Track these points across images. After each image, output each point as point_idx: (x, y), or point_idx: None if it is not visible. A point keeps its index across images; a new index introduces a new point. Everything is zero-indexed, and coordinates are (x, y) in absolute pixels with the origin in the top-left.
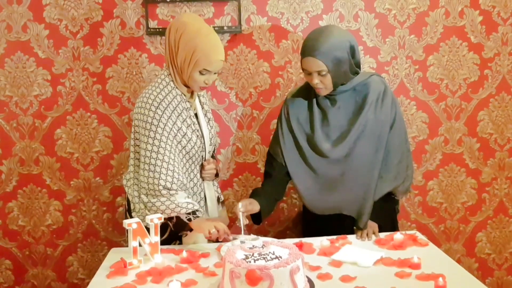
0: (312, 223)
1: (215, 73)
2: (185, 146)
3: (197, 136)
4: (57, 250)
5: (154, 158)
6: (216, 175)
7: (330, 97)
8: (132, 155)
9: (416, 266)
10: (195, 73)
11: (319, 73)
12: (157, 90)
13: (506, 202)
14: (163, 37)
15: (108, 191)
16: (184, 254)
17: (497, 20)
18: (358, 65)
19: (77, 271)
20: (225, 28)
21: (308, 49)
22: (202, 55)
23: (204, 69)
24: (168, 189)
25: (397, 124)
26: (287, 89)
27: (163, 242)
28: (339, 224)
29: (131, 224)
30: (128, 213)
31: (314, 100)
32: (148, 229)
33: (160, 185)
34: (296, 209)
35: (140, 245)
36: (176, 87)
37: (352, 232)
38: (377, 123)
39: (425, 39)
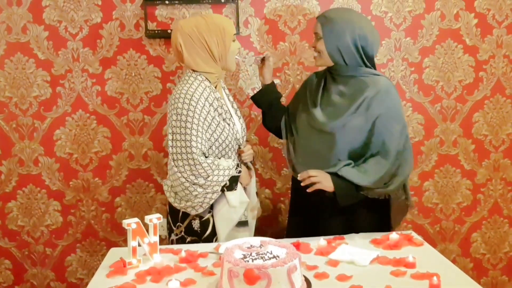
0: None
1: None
2: (220, 135)
3: (229, 124)
4: (56, 250)
5: (188, 140)
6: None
7: (337, 78)
8: (171, 162)
9: (411, 265)
10: (232, 44)
11: (316, 35)
12: (187, 85)
13: (500, 203)
14: (162, 39)
15: (107, 192)
16: (183, 253)
17: (492, 23)
18: (368, 59)
19: (76, 271)
20: None
21: (320, 14)
22: (226, 26)
23: (234, 34)
24: (205, 156)
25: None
26: (284, 90)
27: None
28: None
29: (130, 224)
30: (170, 215)
31: (323, 80)
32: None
33: (194, 153)
34: None
35: (139, 245)
36: (205, 79)
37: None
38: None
39: (420, 41)
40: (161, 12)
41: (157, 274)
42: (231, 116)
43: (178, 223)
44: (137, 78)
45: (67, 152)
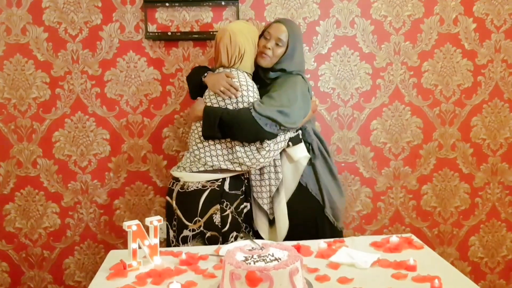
0: None
1: None
2: None
3: None
4: (54, 253)
5: None
6: None
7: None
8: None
9: (412, 268)
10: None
11: (277, 41)
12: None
13: (498, 207)
14: (162, 41)
15: (105, 194)
16: (184, 256)
17: (490, 27)
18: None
19: (74, 274)
20: None
21: (284, 20)
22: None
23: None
24: None
25: None
26: None
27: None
28: None
29: (131, 226)
30: (183, 212)
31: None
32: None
33: None
34: None
35: (139, 247)
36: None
37: None
38: None
39: (420, 45)
40: (161, 14)
41: (158, 276)
42: None
43: (196, 218)
44: (136, 80)
45: (65, 154)
